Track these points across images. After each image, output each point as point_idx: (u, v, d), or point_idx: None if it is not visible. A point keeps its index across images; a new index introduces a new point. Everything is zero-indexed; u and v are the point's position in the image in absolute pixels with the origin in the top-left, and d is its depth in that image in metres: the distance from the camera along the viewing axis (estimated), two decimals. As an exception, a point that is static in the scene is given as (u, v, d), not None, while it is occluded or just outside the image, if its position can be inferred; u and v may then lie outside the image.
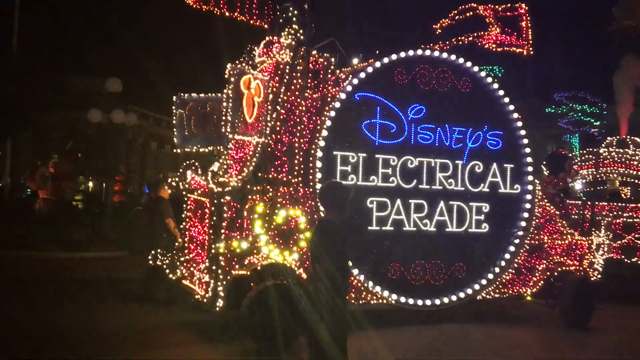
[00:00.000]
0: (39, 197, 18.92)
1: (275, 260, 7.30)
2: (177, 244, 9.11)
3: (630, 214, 12.16)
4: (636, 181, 13.03)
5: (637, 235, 12.06)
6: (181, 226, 8.53)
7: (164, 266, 8.44)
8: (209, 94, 8.90)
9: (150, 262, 8.53)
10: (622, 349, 8.23)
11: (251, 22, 8.80)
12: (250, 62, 8.82)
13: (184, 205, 8.51)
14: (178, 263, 8.37)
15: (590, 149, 13.79)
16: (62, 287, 11.02)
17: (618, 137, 13.71)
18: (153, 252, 8.57)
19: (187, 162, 8.48)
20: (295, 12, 8.17)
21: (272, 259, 7.28)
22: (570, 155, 11.54)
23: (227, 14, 8.66)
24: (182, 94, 8.90)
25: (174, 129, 8.91)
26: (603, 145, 13.70)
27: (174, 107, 8.86)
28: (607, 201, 12.54)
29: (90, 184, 24.32)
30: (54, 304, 9.37)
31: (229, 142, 8.59)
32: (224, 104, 7.02)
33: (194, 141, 8.89)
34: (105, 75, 19.66)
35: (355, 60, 9.13)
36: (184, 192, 8.48)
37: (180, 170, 8.48)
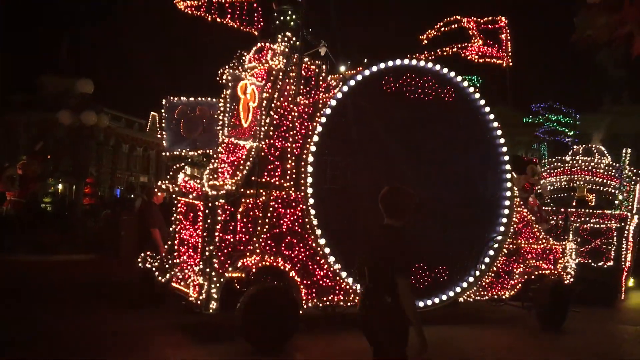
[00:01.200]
0: (7, 199, 18.56)
1: (269, 262, 7.45)
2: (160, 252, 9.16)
3: (597, 220, 12.71)
4: (601, 188, 13.62)
5: (603, 240, 12.61)
6: (171, 229, 8.56)
7: (153, 269, 8.46)
8: (198, 98, 9.01)
9: (140, 265, 8.53)
10: (595, 350, 8.62)
11: (241, 28, 8.95)
12: (240, 68, 8.95)
13: (174, 208, 8.55)
14: (167, 266, 8.41)
15: (558, 157, 14.35)
16: (38, 291, 10.87)
17: (584, 145, 14.30)
18: (142, 255, 8.58)
19: (177, 165, 8.54)
20: (293, 16, 8.32)
21: (267, 262, 7.43)
22: (533, 160, 12.04)
23: (218, 19, 8.80)
24: (171, 97, 8.96)
25: (163, 132, 8.96)
26: (570, 153, 14.26)
27: (163, 110, 8.92)
28: (574, 207, 13.07)
29: (60, 186, 23.86)
30: (33, 307, 9.26)
31: (219, 146, 8.72)
32: (221, 108, 7.13)
33: (183, 145, 8.97)
34: (77, 76, 19.45)
35: (342, 68, 9.31)
36: (174, 195, 8.53)
37: (171, 173, 8.53)
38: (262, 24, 8.95)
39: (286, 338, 7.23)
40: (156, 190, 10.13)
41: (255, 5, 8.93)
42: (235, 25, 8.88)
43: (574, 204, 13.49)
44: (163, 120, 8.91)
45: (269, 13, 8.82)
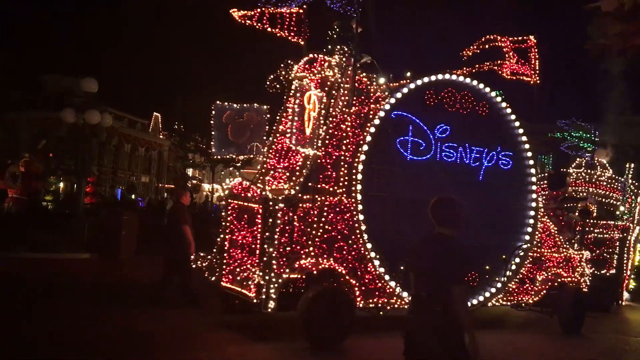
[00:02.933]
0: (8, 196, 18.44)
1: (328, 265, 7.80)
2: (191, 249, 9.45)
3: (600, 230, 13.38)
4: (603, 200, 14.31)
5: (605, 249, 13.28)
6: (220, 230, 8.83)
7: (204, 268, 8.73)
8: (246, 104, 9.32)
9: (192, 264, 8.78)
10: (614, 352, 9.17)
11: (289, 38, 9.29)
12: (286, 77, 9.29)
13: (224, 210, 8.83)
14: (216, 266, 8.69)
15: (563, 170, 14.99)
16: (50, 289, 10.78)
17: (587, 158, 14.99)
18: (194, 255, 8.83)
19: (228, 169, 8.82)
20: (349, 31, 8.69)
21: (324, 264, 7.78)
22: (567, 172, 12.70)
23: (268, 29, 9.13)
24: (219, 103, 9.25)
25: (212, 136, 9.24)
26: (573, 165, 14.94)
27: (212, 115, 9.20)
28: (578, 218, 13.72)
29: (62, 184, 23.67)
30: (64, 307, 9.20)
31: (266, 151, 9.06)
32: (289, 117, 7.45)
33: (231, 149, 9.25)
34: (81, 74, 19.41)
35: (381, 80, 9.68)
36: (224, 198, 8.80)
37: (222, 175, 8.80)
38: (308, 34, 9.30)
39: (343, 337, 7.60)
40: (185, 191, 10.42)
41: (302, 16, 9.28)
42: (284, 35, 9.22)
43: (577, 214, 14.14)
44: (212, 124, 9.18)
45: (317, 26, 9.18)
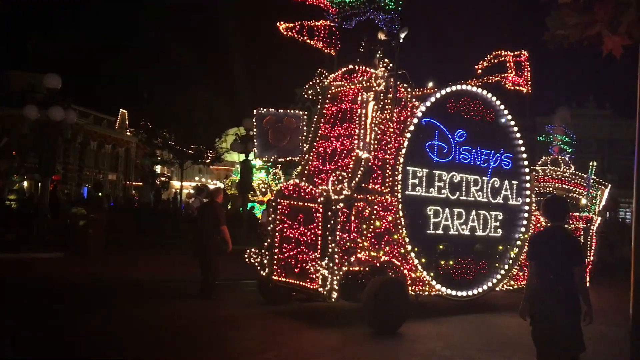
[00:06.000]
0: (-28, 196, 17.86)
1: (386, 258, 8.68)
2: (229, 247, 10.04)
3: (567, 221, 15.05)
4: (568, 194, 16.02)
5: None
6: (270, 227, 9.47)
7: (256, 264, 9.35)
8: (286, 110, 9.99)
9: (246, 260, 9.38)
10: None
11: (324, 49, 10.05)
12: (320, 85, 10.04)
13: (273, 209, 9.47)
14: (267, 262, 9.34)
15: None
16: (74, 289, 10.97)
17: (551, 156, 16.67)
18: (249, 251, 9.43)
19: (276, 171, 9.49)
20: (393, 45, 9.51)
21: (384, 257, 8.65)
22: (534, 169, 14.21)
23: (307, 40, 9.85)
24: (261, 109, 9.87)
25: (255, 140, 9.83)
26: (539, 163, 16.57)
27: (254, 120, 9.80)
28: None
29: (25, 183, 22.83)
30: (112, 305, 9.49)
31: (307, 154, 9.79)
32: (357, 126, 8.23)
33: (271, 152, 9.89)
34: (45, 71, 18.95)
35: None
36: (275, 197, 9.44)
37: (273, 176, 9.46)
38: (340, 45, 10.09)
39: (401, 323, 8.50)
40: (220, 190, 10.95)
41: (334, 29, 10.06)
42: (319, 46, 9.96)
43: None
44: (254, 129, 9.78)
45: (350, 38, 9.98)
